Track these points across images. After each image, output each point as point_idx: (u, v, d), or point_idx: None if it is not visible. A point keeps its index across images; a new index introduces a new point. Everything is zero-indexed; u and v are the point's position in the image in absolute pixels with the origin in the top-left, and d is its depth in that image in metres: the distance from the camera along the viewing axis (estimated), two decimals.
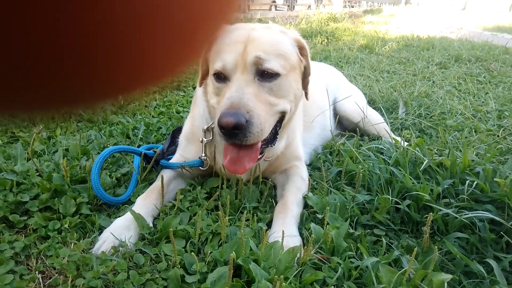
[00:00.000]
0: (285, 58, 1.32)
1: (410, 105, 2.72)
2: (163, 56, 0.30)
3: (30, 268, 1.12)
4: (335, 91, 2.27)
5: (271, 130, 1.34)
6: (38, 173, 1.53)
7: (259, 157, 1.32)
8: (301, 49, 1.41)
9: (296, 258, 1.13)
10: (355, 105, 2.15)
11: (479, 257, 1.22)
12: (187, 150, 1.59)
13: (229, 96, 1.22)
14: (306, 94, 1.50)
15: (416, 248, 1.08)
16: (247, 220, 1.32)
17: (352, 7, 17.31)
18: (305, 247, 1.15)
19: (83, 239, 1.24)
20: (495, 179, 1.44)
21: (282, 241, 1.15)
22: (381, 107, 2.46)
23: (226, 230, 1.24)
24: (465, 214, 1.29)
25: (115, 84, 0.30)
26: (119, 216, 1.34)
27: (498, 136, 2.21)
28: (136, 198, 1.42)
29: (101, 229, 1.30)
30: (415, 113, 2.58)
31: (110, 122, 2.22)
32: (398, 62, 4.57)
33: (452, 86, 3.47)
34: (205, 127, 1.49)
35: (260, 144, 1.29)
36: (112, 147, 1.52)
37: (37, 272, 1.10)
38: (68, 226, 1.27)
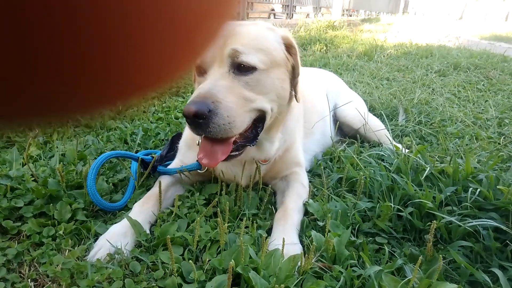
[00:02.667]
0: (266, 53, 1.27)
1: (410, 112, 2.71)
2: (161, 60, 0.29)
3: (22, 275, 1.09)
4: (335, 97, 2.25)
5: (252, 130, 1.31)
6: (33, 178, 1.50)
7: (236, 153, 1.29)
8: (289, 47, 1.36)
9: (297, 267, 1.10)
10: (356, 111, 2.13)
11: (483, 266, 1.19)
12: (186, 156, 1.57)
13: (200, 87, 1.20)
14: (296, 95, 1.43)
15: (420, 257, 1.05)
16: (247, 227, 1.29)
17: (350, 15, 17.41)
18: (306, 255, 1.12)
19: (78, 246, 1.21)
20: (498, 187, 1.42)
21: (283, 249, 1.12)
22: (383, 113, 2.45)
23: (225, 237, 1.21)
24: (468, 222, 1.27)
25: (112, 90, 0.29)
26: (116, 223, 1.30)
27: (499, 143, 2.19)
28: (133, 204, 1.39)
29: (96, 236, 1.26)
30: (415, 120, 2.56)
31: (108, 127, 2.20)
32: (397, 69, 4.57)
33: (451, 94, 3.46)
34: None
35: (232, 139, 1.25)
36: (109, 152, 1.50)
37: (29, 280, 1.06)
38: (63, 233, 1.24)
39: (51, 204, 1.34)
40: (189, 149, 1.58)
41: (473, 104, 3.18)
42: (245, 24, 1.36)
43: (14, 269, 1.11)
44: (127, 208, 1.43)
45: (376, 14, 22.72)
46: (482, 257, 1.22)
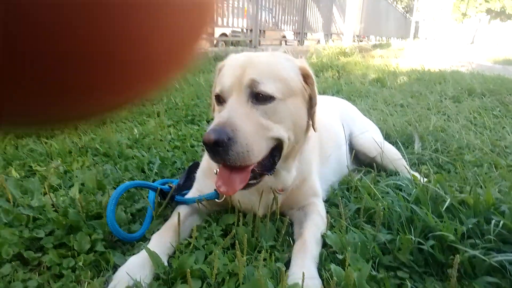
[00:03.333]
0: (284, 83, 1.31)
1: (426, 140, 2.69)
2: (153, 67, 0.35)
3: None
4: (350, 125, 2.26)
5: (269, 159, 1.33)
6: (54, 208, 1.52)
7: (254, 182, 1.31)
8: (306, 77, 1.40)
9: None
10: (372, 139, 2.13)
11: None
12: (204, 185, 1.58)
13: (219, 116, 1.23)
14: (313, 125, 1.46)
15: None
16: (264, 259, 1.28)
17: (361, 41, 17.65)
18: None
19: (97, 278, 1.21)
20: None
21: (302, 284, 1.10)
22: (398, 141, 2.44)
23: (244, 270, 1.19)
24: (493, 257, 1.23)
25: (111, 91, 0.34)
26: (134, 254, 1.31)
27: None
28: (151, 234, 1.40)
29: (115, 267, 1.27)
30: (431, 148, 2.54)
31: (126, 156, 2.23)
32: (410, 95, 4.57)
33: (467, 120, 3.44)
34: None
35: (251, 167, 1.26)
36: (128, 183, 1.52)
37: None
38: (83, 264, 1.25)
39: (71, 234, 1.36)
40: (206, 178, 1.59)
41: (490, 131, 3.15)
42: (262, 55, 1.41)
43: None
44: (145, 238, 1.44)
45: (387, 39, 22.93)
46: None
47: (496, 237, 1.32)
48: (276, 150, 1.34)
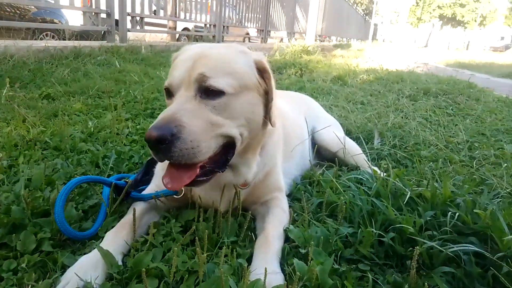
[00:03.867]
0: (236, 78, 1.25)
1: (385, 136, 2.76)
2: None
3: None
4: (313, 121, 2.26)
5: (222, 155, 1.27)
6: None
7: (204, 179, 1.25)
8: (262, 72, 1.34)
9: None
10: (334, 135, 2.15)
11: None
12: None
13: (164, 111, 1.17)
14: (270, 120, 1.39)
15: (406, 286, 1.03)
16: (226, 256, 1.24)
17: (322, 41, 18.01)
18: (290, 285, 1.07)
19: (43, 280, 1.11)
20: (475, 211, 1.43)
21: (265, 279, 1.07)
22: (360, 137, 2.47)
23: (204, 267, 1.14)
24: (449, 247, 1.26)
25: None
26: (85, 253, 1.21)
27: (471, 167, 2.25)
28: (104, 232, 1.31)
29: (64, 268, 1.17)
30: (390, 143, 2.61)
31: (79, 150, 2.10)
32: (370, 93, 4.70)
33: (423, 118, 3.57)
34: None
35: (199, 164, 1.20)
36: (80, 177, 1.41)
37: None
38: (26, 266, 1.14)
39: (14, 234, 1.24)
40: None
41: (444, 128, 3.29)
42: (216, 47, 1.35)
43: None
44: (97, 237, 1.35)
45: (347, 40, 23.58)
46: (464, 283, 1.21)
47: (452, 229, 1.36)
48: (230, 147, 1.29)
